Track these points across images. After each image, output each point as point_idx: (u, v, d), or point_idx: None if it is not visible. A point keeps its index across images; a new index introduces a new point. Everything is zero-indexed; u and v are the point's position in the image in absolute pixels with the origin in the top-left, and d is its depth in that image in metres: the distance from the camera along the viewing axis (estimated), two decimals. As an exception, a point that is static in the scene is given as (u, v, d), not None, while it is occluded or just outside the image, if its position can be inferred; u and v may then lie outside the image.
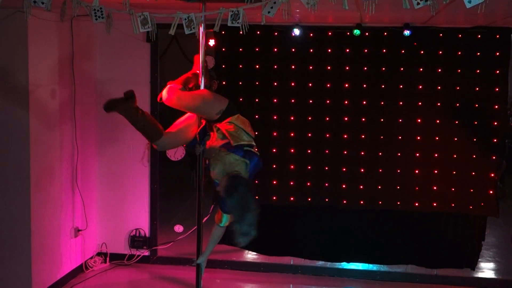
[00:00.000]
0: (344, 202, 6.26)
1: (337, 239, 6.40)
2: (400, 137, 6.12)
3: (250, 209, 3.99)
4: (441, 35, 5.95)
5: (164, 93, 4.47)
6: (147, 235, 6.77)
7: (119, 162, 6.70)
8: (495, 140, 5.97)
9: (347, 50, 6.12)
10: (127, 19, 3.82)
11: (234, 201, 4.00)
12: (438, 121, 6.05)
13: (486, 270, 6.60)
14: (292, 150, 6.28)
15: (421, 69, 6.03)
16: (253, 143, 4.34)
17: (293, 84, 6.21)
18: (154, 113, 6.58)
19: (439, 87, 6.02)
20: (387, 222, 6.31)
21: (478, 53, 5.93)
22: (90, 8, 3.76)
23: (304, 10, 3.51)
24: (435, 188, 6.11)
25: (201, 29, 4.29)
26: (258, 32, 6.17)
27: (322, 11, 5.21)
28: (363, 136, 6.17)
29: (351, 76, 6.15)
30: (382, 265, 6.51)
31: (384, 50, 6.07)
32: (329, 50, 6.14)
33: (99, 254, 6.77)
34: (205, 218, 6.26)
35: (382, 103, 6.12)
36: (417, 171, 6.12)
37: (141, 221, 6.78)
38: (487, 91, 5.95)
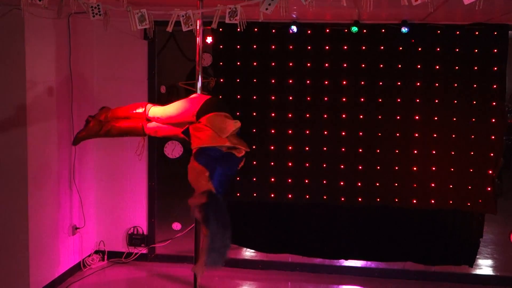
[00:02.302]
0: (342, 199, 6.26)
1: (335, 237, 6.40)
2: (398, 134, 6.12)
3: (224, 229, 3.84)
4: (438, 32, 5.94)
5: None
6: (145, 233, 6.77)
7: (117, 160, 6.70)
8: (493, 137, 5.96)
9: (345, 47, 6.11)
10: (124, 16, 3.82)
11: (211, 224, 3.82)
12: (436, 118, 6.05)
13: (484, 267, 6.60)
14: (290, 148, 6.27)
15: (419, 66, 6.02)
16: (227, 145, 4.16)
17: (290, 81, 6.20)
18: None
19: (437, 84, 6.01)
20: (385, 219, 6.31)
21: (476, 50, 5.92)
22: (88, 5, 3.76)
23: (302, 7, 3.51)
24: (433, 185, 6.11)
25: (199, 26, 4.28)
26: (256, 30, 6.16)
27: (319, 8, 5.22)
28: (361, 133, 6.17)
29: (349, 73, 6.13)
30: (380, 262, 6.51)
31: (382, 47, 6.06)
32: (327, 47, 6.13)
33: (97, 252, 6.77)
34: (203, 216, 6.26)
35: (380, 100, 6.11)
36: (415, 168, 6.12)
37: (139, 219, 6.77)
38: (485, 88, 5.94)
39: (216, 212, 3.83)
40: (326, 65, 6.15)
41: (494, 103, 5.94)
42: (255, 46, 6.22)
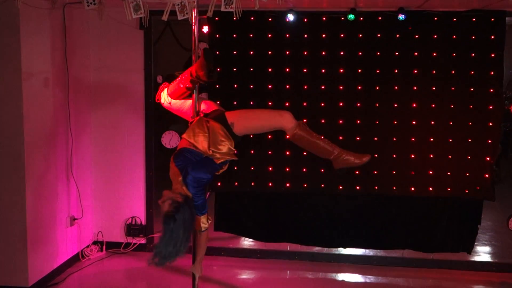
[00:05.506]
0: (340, 187, 6.25)
1: (333, 225, 6.41)
2: (395, 122, 6.11)
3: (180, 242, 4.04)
4: (436, 19, 5.92)
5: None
6: (143, 223, 6.76)
7: (114, 150, 6.68)
8: (490, 124, 5.96)
9: (342, 35, 6.09)
10: (119, 5, 3.79)
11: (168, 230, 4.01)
12: (433, 106, 6.04)
13: (482, 253, 6.63)
14: (287, 136, 6.25)
15: (416, 54, 6.01)
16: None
17: (287, 70, 6.18)
18: (148, 101, 6.56)
19: (434, 71, 6.00)
20: (383, 207, 6.32)
21: (473, 37, 5.90)
22: (82, -6, 3.73)
23: (298, -6, 3.49)
24: (431, 172, 6.11)
25: (194, 15, 4.25)
26: (252, 18, 6.13)
27: (316, -4, 5.20)
28: (358, 122, 6.16)
29: (345, 61, 6.12)
30: (378, 250, 6.53)
31: (379, 35, 6.04)
32: (324, 35, 6.11)
33: (95, 242, 6.77)
34: (201, 206, 6.26)
35: (377, 87, 6.10)
36: (412, 156, 6.11)
37: (137, 209, 6.77)
38: (483, 75, 5.93)
39: (184, 218, 4.01)
40: (323, 53, 6.13)
41: (491, 90, 5.93)
42: (251, 35, 6.19)
